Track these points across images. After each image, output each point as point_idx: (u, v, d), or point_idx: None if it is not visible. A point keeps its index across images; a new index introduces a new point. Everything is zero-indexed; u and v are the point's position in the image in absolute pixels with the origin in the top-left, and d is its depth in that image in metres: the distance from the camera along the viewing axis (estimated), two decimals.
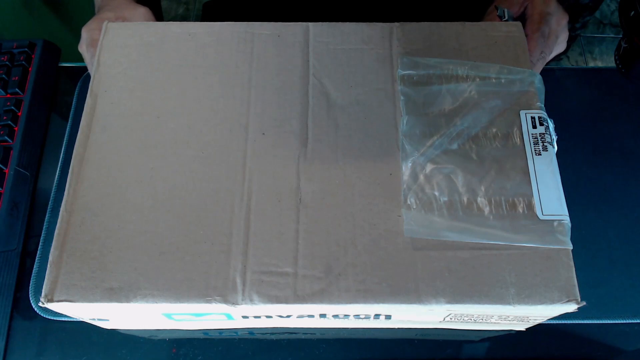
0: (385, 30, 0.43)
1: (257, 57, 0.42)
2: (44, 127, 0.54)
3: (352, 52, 0.42)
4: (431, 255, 0.34)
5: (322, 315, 0.36)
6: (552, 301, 0.33)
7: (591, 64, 1.36)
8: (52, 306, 0.34)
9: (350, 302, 0.33)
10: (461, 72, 0.41)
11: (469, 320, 0.38)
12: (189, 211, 0.36)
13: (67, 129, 0.53)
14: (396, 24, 0.44)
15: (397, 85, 0.41)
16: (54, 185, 0.50)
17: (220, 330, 0.44)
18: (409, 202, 0.36)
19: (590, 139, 0.52)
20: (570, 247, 0.34)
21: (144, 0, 0.55)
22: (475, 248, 0.35)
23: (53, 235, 0.35)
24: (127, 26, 0.44)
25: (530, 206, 0.36)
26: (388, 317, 0.37)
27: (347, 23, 0.44)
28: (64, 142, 0.52)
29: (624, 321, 0.44)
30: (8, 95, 0.53)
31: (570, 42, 0.52)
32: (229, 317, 0.37)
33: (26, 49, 0.55)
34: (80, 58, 0.52)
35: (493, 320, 0.37)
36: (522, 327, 0.42)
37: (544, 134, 0.38)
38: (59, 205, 0.36)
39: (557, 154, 0.38)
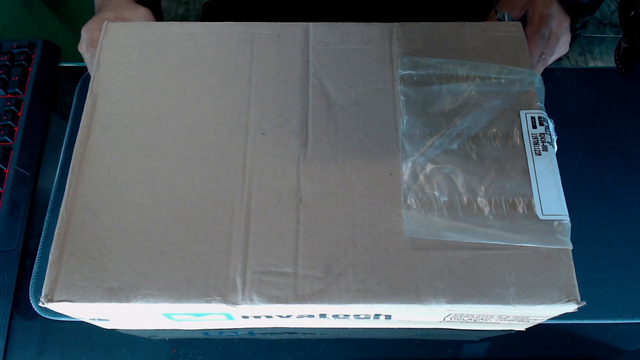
0: (385, 30, 0.43)
1: (257, 57, 0.42)
2: (44, 127, 0.54)
3: (352, 52, 0.42)
4: (431, 255, 0.34)
5: (322, 315, 0.36)
6: (552, 301, 0.33)
7: (591, 64, 1.36)
8: (52, 306, 0.34)
9: (350, 302, 0.33)
10: (461, 72, 0.41)
11: (469, 320, 0.38)
12: (189, 211, 0.36)
13: (67, 129, 0.53)
14: (396, 24, 0.44)
15: (397, 85, 0.41)
16: (54, 185, 0.50)
17: (220, 330, 0.44)
18: (409, 202, 0.36)
19: (590, 139, 0.52)
20: (570, 247, 0.34)
21: (144, 1, 0.55)
22: (475, 248, 0.35)
23: (53, 235, 0.35)
24: (127, 26, 0.44)
25: (530, 206, 0.36)
26: (388, 317, 0.37)
27: (347, 23, 0.44)
28: (64, 142, 0.52)
29: (624, 321, 0.44)
30: (8, 95, 0.53)
31: (571, 42, 0.53)
32: (229, 317, 0.37)
33: (26, 49, 0.55)
34: (80, 58, 0.52)
35: (493, 320, 0.37)
36: (522, 327, 0.42)
37: (544, 134, 0.38)
38: (59, 205, 0.36)
39: (557, 154, 0.38)
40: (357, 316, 0.36)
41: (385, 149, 0.38)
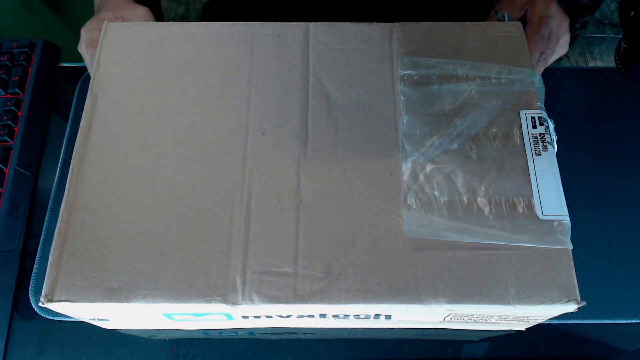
0: (385, 30, 0.43)
1: (257, 57, 0.42)
2: (44, 127, 0.54)
3: (352, 52, 0.42)
4: (431, 255, 0.34)
5: (322, 315, 0.36)
6: (552, 301, 0.33)
7: (591, 64, 1.36)
8: (52, 306, 0.34)
9: (350, 302, 0.33)
10: (461, 72, 0.41)
11: (469, 320, 0.38)
12: (189, 211, 0.36)
13: (67, 129, 0.53)
14: (396, 24, 0.44)
15: (397, 85, 0.41)
16: (54, 185, 0.50)
17: (220, 330, 0.44)
18: (409, 202, 0.36)
19: (590, 139, 0.52)
20: (570, 247, 0.34)
21: (144, 1, 0.55)
22: (475, 248, 0.35)
23: (53, 235, 0.35)
24: (127, 26, 0.44)
25: (530, 206, 0.36)
26: (388, 317, 0.37)
27: (347, 23, 0.44)
28: (64, 142, 0.52)
29: (624, 321, 0.44)
30: (8, 95, 0.53)
31: (571, 42, 0.53)
32: (229, 317, 0.37)
33: (26, 49, 0.55)
34: (80, 58, 0.52)
35: (493, 320, 0.37)
36: (522, 327, 0.42)
37: (544, 134, 0.38)
38: (59, 205, 0.36)
39: (557, 154, 0.38)
40: (357, 316, 0.36)
41: (385, 149, 0.38)
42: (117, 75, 0.41)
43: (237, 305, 0.33)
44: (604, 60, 1.36)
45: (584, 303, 0.33)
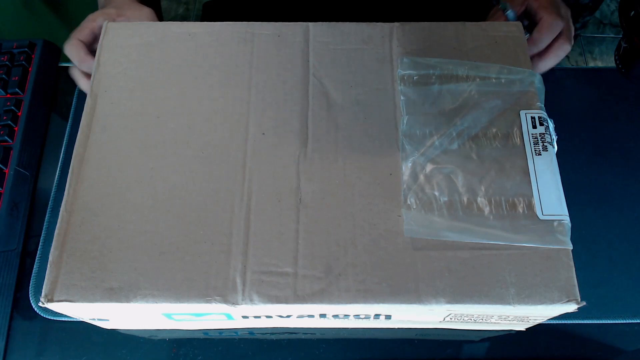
0: (385, 30, 0.43)
1: (257, 57, 0.42)
2: (44, 127, 0.54)
3: (352, 52, 0.42)
4: (431, 255, 0.34)
5: (322, 315, 0.36)
6: (552, 301, 0.33)
7: (591, 64, 1.36)
8: (52, 306, 0.34)
9: (350, 302, 0.33)
10: (461, 72, 0.41)
11: (469, 320, 0.38)
12: (189, 211, 0.36)
13: (67, 129, 0.53)
14: (396, 24, 0.44)
15: (397, 85, 0.41)
16: (54, 185, 0.50)
17: (220, 330, 0.44)
18: (409, 202, 0.36)
19: (590, 139, 0.52)
20: (570, 247, 0.34)
21: (144, 1, 0.55)
22: (475, 248, 0.35)
23: (53, 235, 0.35)
24: (127, 26, 0.44)
25: (530, 206, 0.36)
26: (388, 317, 0.37)
27: (347, 23, 0.44)
28: (64, 142, 0.52)
29: (624, 321, 0.44)
30: (8, 95, 0.53)
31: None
32: (229, 317, 0.37)
33: (26, 49, 0.55)
34: None
35: (493, 320, 0.37)
36: (522, 327, 0.42)
37: (544, 134, 0.38)
38: (59, 205, 0.36)
39: (557, 154, 0.38)
40: (357, 316, 0.36)
41: (385, 149, 0.38)
42: (117, 75, 0.41)
43: (237, 305, 0.33)
44: (604, 60, 1.36)
45: (584, 303, 0.33)
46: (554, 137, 0.38)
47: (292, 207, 0.36)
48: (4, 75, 0.53)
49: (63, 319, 0.44)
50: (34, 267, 0.46)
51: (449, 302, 0.33)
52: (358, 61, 0.42)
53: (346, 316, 0.36)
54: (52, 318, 0.45)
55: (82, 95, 0.51)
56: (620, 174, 0.51)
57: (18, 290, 0.46)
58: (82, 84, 0.50)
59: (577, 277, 0.34)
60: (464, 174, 0.37)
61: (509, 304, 0.33)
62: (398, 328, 0.43)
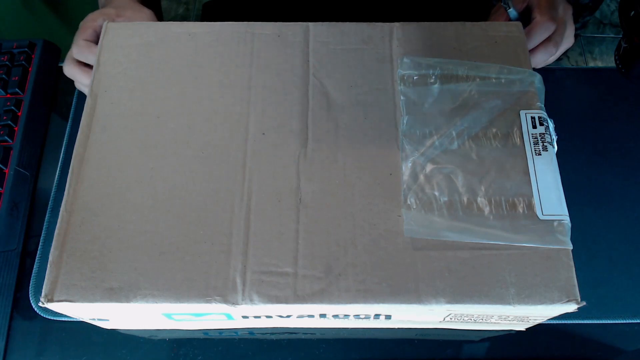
0: (385, 30, 0.43)
1: (257, 57, 0.42)
2: (44, 127, 0.54)
3: (352, 52, 0.42)
4: (431, 255, 0.34)
5: (322, 315, 0.36)
6: (552, 301, 0.33)
7: (591, 64, 1.36)
8: (52, 306, 0.34)
9: (350, 302, 0.33)
10: (461, 72, 0.41)
11: (469, 320, 0.38)
12: (189, 211, 0.36)
13: (67, 129, 0.53)
14: (396, 24, 0.44)
15: (397, 85, 0.41)
16: (54, 185, 0.50)
17: (220, 330, 0.44)
18: (409, 202, 0.36)
19: (590, 139, 0.52)
20: (570, 247, 0.34)
21: (144, 1, 0.55)
22: (475, 248, 0.35)
23: (53, 235, 0.35)
24: (127, 26, 0.44)
25: (530, 206, 0.36)
26: (388, 317, 0.37)
27: (347, 23, 0.44)
28: (64, 142, 0.52)
29: (624, 321, 0.44)
30: (8, 95, 0.53)
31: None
32: (229, 317, 0.37)
33: (26, 49, 0.55)
34: None
35: (493, 320, 0.37)
36: (522, 327, 0.42)
37: (544, 134, 0.38)
38: (59, 205, 0.36)
39: (557, 154, 0.38)
40: (357, 316, 0.36)
41: (385, 149, 0.38)
42: (117, 75, 0.41)
43: (237, 305, 0.33)
44: (604, 60, 1.36)
45: (584, 303, 0.33)
46: (554, 137, 0.38)
47: (292, 207, 0.36)
48: (4, 75, 0.53)
49: (63, 319, 0.44)
50: (34, 267, 0.46)
51: (449, 302, 0.33)
52: (358, 61, 0.42)
53: (346, 316, 0.36)
54: (52, 318, 0.45)
55: (82, 95, 0.51)
56: (620, 174, 0.51)
57: (18, 290, 0.46)
58: (83, 79, 0.49)
59: (577, 277, 0.34)
60: (464, 174, 0.37)
61: (509, 304, 0.33)
62: (398, 328, 0.43)
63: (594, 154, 0.51)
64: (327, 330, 0.44)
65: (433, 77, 0.41)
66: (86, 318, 0.39)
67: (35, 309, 0.45)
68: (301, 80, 0.41)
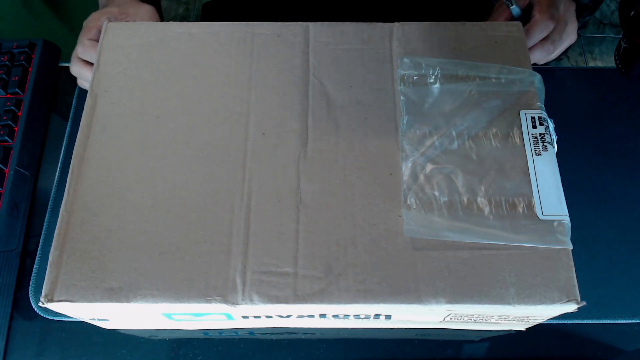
0: (385, 30, 0.43)
1: (257, 57, 0.42)
2: (44, 127, 0.54)
3: (352, 52, 0.42)
4: (431, 255, 0.34)
5: (322, 315, 0.36)
6: (552, 301, 0.33)
7: (591, 64, 1.36)
8: (52, 306, 0.34)
9: (350, 302, 0.33)
10: (461, 72, 0.41)
11: (469, 320, 0.38)
12: (189, 211, 0.36)
13: (67, 129, 0.53)
14: (396, 24, 0.44)
15: (397, 85, 0.41)
16: (54, 185, 0.50)
17: (220, 330, 0.44)
18: (409, 202, 0.36)
19: (590, 139, 0.52)
20: (570, 247, 0.34)
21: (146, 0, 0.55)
22: (475, 248, 0.35)
23: (53, 235, 0.35)
24: (127, 26, 0.44)
25: (530, 206, 0.36)
26: (388, 317, 0.37)
27: (347, 23, 0.44)
28: (64, 142, 0.52)
29: (624, 321, 0.44)
30: (8, 95, 0.53)
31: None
32: (229, 317, 0.37)
33: (26, 49, 0.55)
34: None
35: (493, 320, 0.37)
36: (522, 327, 0.42)
37: (544, 134, 0.38)
38: (59, 205, 0.36)
39: (557, 154, 0.38)
40: (357, 316, 0.36)
41: (385, 149, 0.38)
42: (117, 75, 0.41)
43: (237, 305, 0.33)
44: (604, 60, 1.36)
45: (584, 303, 0.33)
46: (554, 137, 0.38)
47: (292, 207, 0.36)
48: (4, 75, 0.53)
49: (63, 319, 0.44)
50: (34, 267, 0.46)
51: (449, 302, 0.33)
52: (358, 61, 0.42)
53: (346, 316, 0.36)
54: (52, 318, 0.45)
55: (82, 95, 0.51)
56: (620, 174, 0.51)
57: (18, 290, 0.46)
58: (90, 77, 0.49)
59: (577, 277, 0.34)
60: (464, 174, 0.37)
61: (509, 304, 0.33)
62: (398, 328, 0.43)
63: (594, 154, 0.51)
64: (327, 330, 0.44)
65: (433, 77, 0.41)
66: (86, 318, 0.39)
67: (35, 309, 0.45)
68: (301, 80, 0.41)
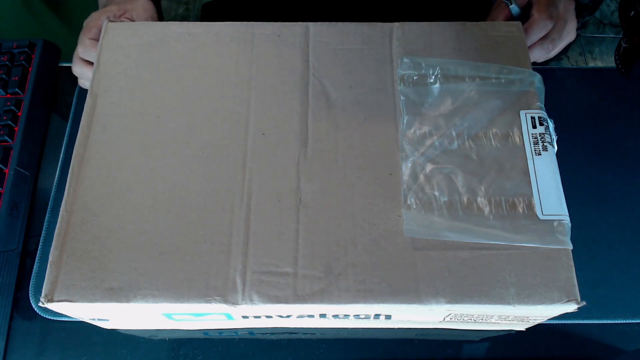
0: (385, 30, 0.43)
1: (257, 57, 0.42)
2: (44, 127, 0.54)
3: (352, 52, 0.42)
4: (431, 255, 0.34)
5: (322, 315, 0.36)
6: (552, 301, 0.33)
7: (591, 64, 1.36)
8: (52, 306, 0.34)
9: (350, 302, 0.33)
10: (461, 72, 0.41)
11: (469, 320, 0.38)
12: (189, 211, 0.36)
13: (67, 129, 0.53)
14: (396, 24, 0.44)
15: (397, 85, 0.41)
16: (54, 185, 0.50)
17: (220, 330, 0.44)
18: (409, 202, 0.36)
19: (590, 139, 0.52)
20: (570, 247, 0.34)
21: None
22: (475, 248, 0.35)
23: (53, 235, 0.35)
24: (127, 26, 0.44)
25: (530, 206, 0.36)
26: (388, 317, 0.37)
27: (347, 23, 0.44)
28: (64, 142, 0.52)
29: (624, 321, 0.44)
30: (8, 95, 0.53)
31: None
32: (229, 317, 0.37)
33: (26, 49, 0.55)
34: None
35: (493, 320, 0.37)
36: (522, 327, 0.42)
37: (544, 134, 0.38)
38: (59, 205, 0.36)
39: (557, 154, 0.38)
40: (357, 316, 0.36)
41: (385, 149, 0.38)
42: (117, 75, 0.41)
43: (237, 305, 0.33)
44: (604, 60, 1.36)
45: (584, 303, 0.33)
46: (554, 137, 0.38)
47: (292, 207, 0.36)
48: (4, 75, 0.53)
49: (63, 319, 0.44)
50: (34, 267, 0.46)
51: (449, 302, 0.33)
52: (358, 61, 0.42)
53: (346, 316, 0.36)
54: (52, 318, 0.45)
55: (82, 95, 0.51)
56: (620, 174, 0.51)
57: (18, 290, 0.46)
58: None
59: (577, 277, 0.34)
60: (464, 174, 0.37)
61: (509, 304, 0.33)
62: (398, 328, 0.43)
63: (594, 154, 0.51)
64: (327, 330, 0.44)
65: (433, 77, 0.41)
66: (86, 318, 0.39)
67: (35, 309, 0.45)
68: (301, 80, 0.41)
